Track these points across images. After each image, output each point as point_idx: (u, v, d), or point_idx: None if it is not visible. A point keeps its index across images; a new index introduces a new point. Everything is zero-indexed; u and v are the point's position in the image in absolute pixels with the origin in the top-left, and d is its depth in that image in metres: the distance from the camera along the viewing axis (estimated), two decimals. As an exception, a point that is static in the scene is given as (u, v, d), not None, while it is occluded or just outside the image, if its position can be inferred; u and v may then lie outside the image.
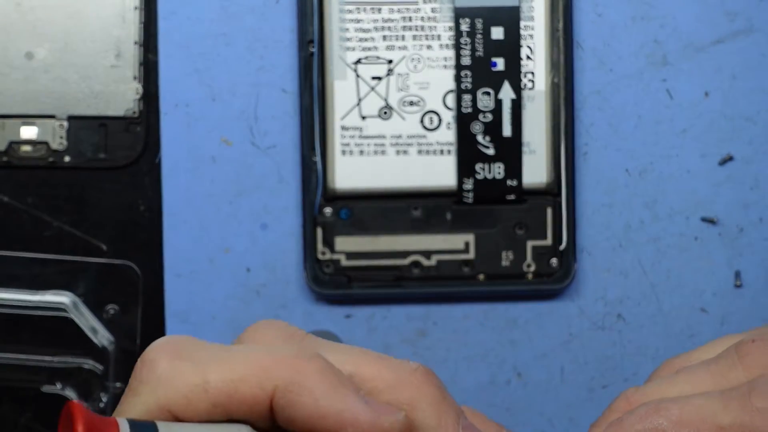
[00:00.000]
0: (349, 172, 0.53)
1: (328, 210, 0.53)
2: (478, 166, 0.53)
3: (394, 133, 0.53)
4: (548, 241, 0.53)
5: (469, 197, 0.53)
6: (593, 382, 0.54)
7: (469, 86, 0.53)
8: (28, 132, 0.54)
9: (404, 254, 0.53)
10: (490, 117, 0.53)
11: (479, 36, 0.52)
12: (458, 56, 0.52)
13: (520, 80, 0.53)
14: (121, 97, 0.54)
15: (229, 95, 0.54)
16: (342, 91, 0.53)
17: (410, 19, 0.53)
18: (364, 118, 0.53)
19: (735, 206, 0.54)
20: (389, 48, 0.53)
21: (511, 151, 0.53)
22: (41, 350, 0.54)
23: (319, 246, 0.53)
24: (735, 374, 0.36)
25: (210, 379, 0.32)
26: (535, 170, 0.53)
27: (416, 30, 0.53)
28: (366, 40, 0.53)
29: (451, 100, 0.53)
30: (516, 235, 0.53)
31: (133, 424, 0.32)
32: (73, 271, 0.54)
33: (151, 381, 0.32)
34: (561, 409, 0.55)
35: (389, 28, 0.53)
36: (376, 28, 0.53)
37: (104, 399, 0.54)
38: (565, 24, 0.53)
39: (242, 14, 0.54)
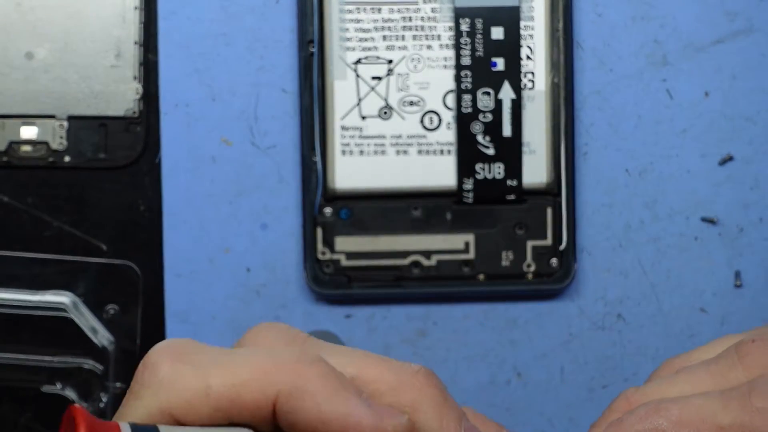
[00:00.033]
0: (349, 172, 0.53)
1: (328, 210, 0.53)
2: (478, 166, 0.53)
3: (394, 133, 0.53)
4: (548, 241, 0.53)
5: (469, 197, 0.53)
6: (593, 382, 0.54)
7: (469, 86, 0.53)
8: (28, 132, 0.54)
9: (404, 254, 0.53)
10: (490, 117, 0.53)
11: (479, 36, 0.52)
12: (458, 56, 0.52)
13: (520, 80, 0.53)
14: (121, 97, 0.54)
15: (229, 95, 0.54)
16: (342, 91, 0.53)
17: (410, 19, 0.53)
18: (364, 118, 0.53)
19: (735, 206, 0.54)
20: (389, 48, 0.53)
21: (511, 151, 0.53)
22: (41, 350, 0.54)
23: (319, 246, 0.53)
24: (735, 374, 0.36)
25: (212, 383, 0.32)
26: (535, 170, 0.53)
27: (416, 30, 0.53)
28: (366, 40, 0.53)
29: (451, 100, 0.53)
30: (516, 235, 0.53)
31: (135, 428, 0.32)
32: (73, 271, 0.54)
33: (153, 385, 0.32)
34: (561, 409, 0.55)
35: (389, 28, 0.53)
36: (376, 28, 0.53)
37: (104, 399, 0.54)
38: (565, 24, 0.53)
39: (242, 14, 0.54)
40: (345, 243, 0.53)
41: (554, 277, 0.54)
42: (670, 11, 0.54)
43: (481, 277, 0.54)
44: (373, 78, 0.53)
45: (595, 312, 0.54)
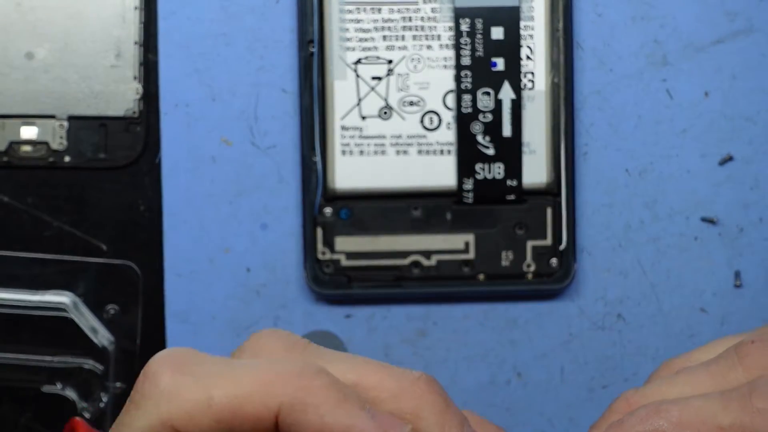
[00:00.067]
0: (349, 172, 0.53)
1: (328, 210, 0.53)
2: (478, 166, 0.53)
3: (394, 133, 0.53)
4: (548, 241, 0.53)
5: (469, 197, 0.53)
6: (593, 382, 0.54)
7: (469, 86, 0.53)
8: (28, 132, 0.54)
9: (404, 254, 0.53)
10: (490, 117, 0.53)
11: (479, 36, 0.52)
12: (458, 56, 0.52)
13: (520, 80, 0.53)
14: (121, 97, 0.54)
15: (229, 95, 0.54)
16: (342, 91, 0.53)
17: (410, 19, 0.53)
18: (364, 118, 0.53)
19: (735, 206, 0.54)
20: (389, 48, 0.53)
21: (511, 151, 0.53)
22: (41, 350, 0.54)
23: (319, 246, 0.53)
24: (735, 375, 0.36)
25: (214, 395, 0.32)
26: (535, 170, 0.53)
27: (416, 30, 0.53)
28: (366, 40, 0.53)
29: (451, 100, 0.53)
30: (516, 235, 0.53)
31: None
32: (73, 271, 0.54)
33: (154, 395, 0.32)
34: (561, 409, 0.55)
35: (389, 28, 0.53)
36: (376, 28, 0.53)
37: (104, 399, 0.54)
38: (565, 24, 0.53)
39: (242, 14, 0.54)
40: (345, 243, 0.53)
41: (554, 277, 0.53)
42: (670, 11, 0.54)
43: (481, 277, 0.54)
44: (373, 78, 0.53)
45: (595, 312, 0.54)
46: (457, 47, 0.52)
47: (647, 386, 0.38)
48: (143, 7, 0.53)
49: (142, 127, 0.54)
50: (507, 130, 0.53)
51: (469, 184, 0.53)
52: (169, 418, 0.32)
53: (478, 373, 0.54)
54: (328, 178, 0.53)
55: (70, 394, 0.54)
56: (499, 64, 0.53)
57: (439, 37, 0.53)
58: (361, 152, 0.53)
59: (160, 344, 0.54)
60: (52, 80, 0.53)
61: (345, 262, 0.53)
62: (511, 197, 0.53)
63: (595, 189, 0.54)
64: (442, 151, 0.53)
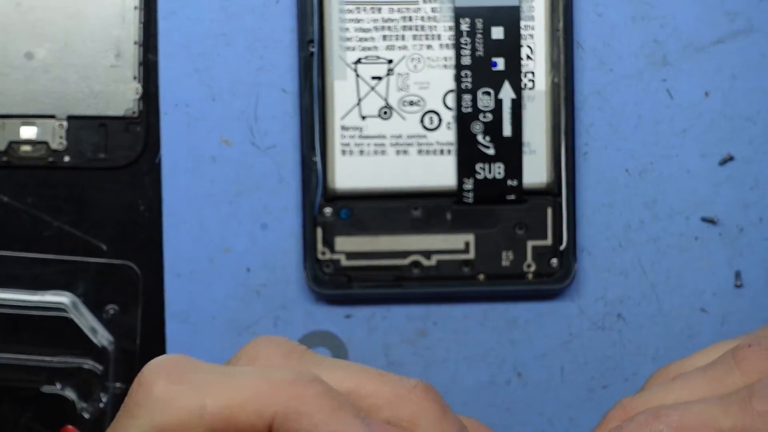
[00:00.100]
0: (349, 172, 0.53)
1: (328, 210, 0.53)
2: (478, 166, 0.53)
3: (394, 133, 0.53)
4: (548, 241, 0.53)
5: (469, 197, 0.53)
6: (593, 382, 0.54)
7: (469, 86, 0.53)
8: (28, 132, 0.54)
9: (404, 254, 0.53)
10: (490, 117, 0.53)
11: (479, 36, 0.52)
12: (458, 56, 0.52)
13: (520, 80, 0.53)
14: (120, 97, 0.54)
15: (229, 95, 0.54)
16: (342, 91, 0.53)
17: (410, 18, 0.53)
18: (364, 118, 0.53)
19: (735, 206, 0.54)
20: (389, 48, 0.53)
21: (511, 151, 0.53)
22: (41, 350, 0.54)
23: (319, 246, 0.53)
24: (732, 379, 0.36)
25: (207, 403, 0.32)
26: (536, 170, 0.53)
27: (416, 30, 0.53)
28: (366, 39, 0.53)
29: (451, 99, 0.53)
30: (516, 235, 0.53)
31: None
32: (73, 271, 0.54)
33: (148, 404, 0.32)
34: (561, 409, 0.55)
35: (389, 28, 0.53)
36: (376, 28, 0.53)
37: (104, 399, 0.54)
38: (565, 24, 0.53)
39: (242, 14, 0.53)
40: (345, 243, 0.53)
41: (554, 277, 0.53)
42: (670, 11, 0.54)
43: (481, 277, 0.53)
44: (373, 78, 0.53)
45: (595, 312, 0.54)
46: (458, 47, 0.52)
47: (644, 393, 0.38)
48: (143, 6, 0.53)
49: (142, 127, 0.54)
50: (507, 130, 0.53)
51: (469, 184, 0.53)
52: (162, 426, 0.32)
53: (478, 373, 0.54)
54: (328, 178, 0.53)
55: (70, 394, 0.54)
56: (500, 63, 0.53)
57: (439, 36, 0.53)
58: (361, 152, 0.53)
59: (159, 344, 0.54)
60: (51, 80, 0.53)
61: (345, 262, 0.53)
62: (512, 197, 0.53)
63: (595, 189, 0.54)
64: (442, 151, 0.53)
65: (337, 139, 0.53)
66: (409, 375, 0.54)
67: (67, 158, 0.54)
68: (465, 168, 0.53)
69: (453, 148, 0.53)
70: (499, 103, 0.53)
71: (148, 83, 0.54)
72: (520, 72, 0.53)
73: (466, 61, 0.52)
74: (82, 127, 0.54)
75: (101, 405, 0.54)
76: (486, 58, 0.52)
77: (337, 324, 0.54)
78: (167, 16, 0.53)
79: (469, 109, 0.53)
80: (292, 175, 0.54)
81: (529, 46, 0.53)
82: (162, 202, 0.54)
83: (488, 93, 0.53)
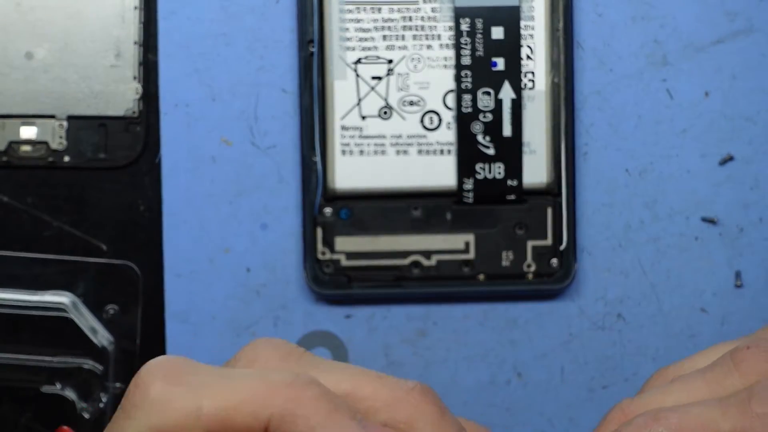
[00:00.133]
0: (349, 172, 0.53)
1: (328, 210, 0.53)
2: (478, 166, 0.53)
3: (394, 133, 0.53)
4: (548, 241, 0.53)
5: (469, 197, 0.53)
6: (593, 382, 0.54)
7: (469, 86, 0.52)
8: (28, 132, 0.54)
9: (404, 254, 0.53)
10: (490, 117, 0.53)
11: (479, 36, 0.52)
12: (458, 56, 0.52)
13: (521, 80, 0.53)
14: (120, 97, 0.54)
15: (229, 95, 0.54)
16: (342, 91, 0.53)
17: (410, 18, 0.53)
18: (364, 118, 0.53)
19: (735, 206, 0.54)
20: (389, 48, 0.53)
21: (511, 151, 0.53)
22: (41, 350, 0.54)
23: (319, 246, 0.53)
24: (731, 381, 0.36)
25: (203, 405, 0.32)
26: (536, 170, 0.53)
27: (416, 30, 0.53)
28: (366, 39, 0.53)
29: (451, 99, 0.53)
30: (516, 235, 0.53)
31: None
32: (73, 271, 0.54)
33: (145, 405, 0.32)
34: (561, 409, 0.55)
35: (389, 28, 0.53)
36: (376, 28, 0.53)
37: (104, 399, 0.54)
38: (565, 24, 0.53)
39: (242, 14, 0.53)
40: (345, 243, 0.53)
41: (554, 277, 0.53)
42: (670, 11, 0.54)
43: (481, 277, 0.53)
44: (373, 78, 0.53)
45: (595, 312, 0.54)
46: (458, 47, 0.52)
47: (642, 395, 0.38)
48: (143, 6, 0.53)
49: (142, 127, 0.54)
50: (507, 130, 0.53)
51: (469, 184, 0.53)
52: (159, 427, 0.32)
53: (478, 373, 0.54)
54: (328, 178, 0.53)
55: (70, 394, 0.54)
56: (500, 63, 0.53)
57: (439, 36, 0.53)
58: (361, 152, 0.53)
59: (159, 344, 0.54)
60: (51, 80, 0.53)
61: (345, 262, 0.53)
62: (512, 197, 0.53)
63: (595, 189, 0.54)
64: (442, 151, 0.53)
65: (337, 139, 0.53)
66: (409, 375, 0.54)
67: (67, 158, 0.54)
68: (465, 168, 0.53)
69: (453, 148, 0.53)
70: (499, 103, 0.53)
71: (148, 83, 0.54)
72: (520, 72, 0.53)
73: (466, 61, 0.52)
74: (82, 127, 0.54)
75: (101, 405, 0.54)
76: (486, 58, 0.52)
77: (337, 324, 0.54)
78: (167, 16, 0.53)
79: (469, 109, 0.53)
80: (292, 175, 0.54)
81: (529, 46, 0.53)
82: (162, 202, 0.54)
83: (488, 93, 0.53)
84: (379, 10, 0.53)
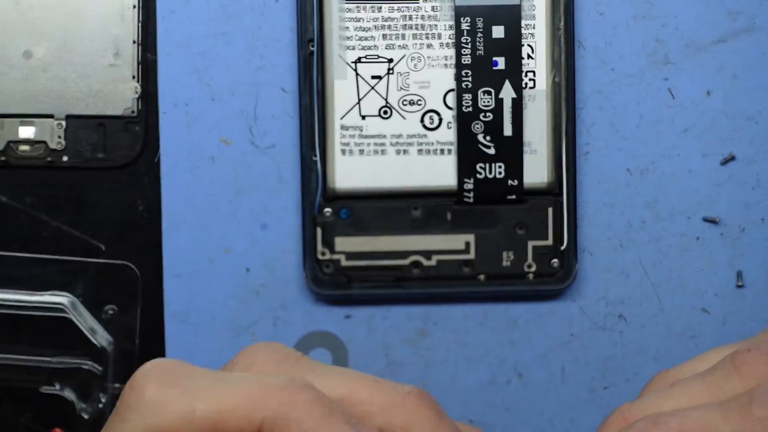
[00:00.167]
0: (349, 172, 0.53)
1: (327, 210, 0.53)
2: (478, 166, 0.53)
3: (395, 133, 0.53)
4: (549, 241, 0.53)
5: (470, 197, 0.53)
6: (594, 382, 0.54)
7: (470, 85, 0.52)
8: (26, 131, 0.53)
9: (404, 254, 0.53)
10: (490, 116, 0.52)
11: (480, 35, 0.52)
12: (459, 55, 0.52)
13: (521, 79, 0.52)
14: (119, 96, 0.53)
15: (229, 94, 0.53)
16: (342, 91, 0.53)
17: (410, 17, 0.53)
18: (364, 117, 0.53)
19: (737, 206, 0.54)
20: (389, 47, 0.53)
21: (511, 150, 0.53)
22: (40, 351, 0.53)
23: (319, 246, 0.53)
24: (731, 385, 0.36)
25: (197, 408, 0.32)
26: (536, 170, 0.53)
27: (416, 29, 0.53)
28: (366, 39, 0.53)
29: (451, 99, 0.53)
30: (517, 235, 0.53)
31: None
32: (72, 271, 0.54)
33: (139, 407, 0.32)
34: (562, 410, 0.54)
35: (389, 27, 0.53)
36: (376, 27, 0.53)
37: (103, 400, 0.54)
38: (566, 23, 0.53)
39: (242, 13, 0.53)
40: (345, 243, 0.53)
41: (555, 278, 0.53)
42: (672, 10, 0.53)
43: (482, 277, 0.53)
44: (373, 77, 0.53)
45: (596, 312, 0.54)
46: (458, 46, 0.52)
47: (642, 399, 0.37)
48: (142, 5, 0.53)
49: (141, 127, 0.54)
50: (508, 130, 0.53)
51: (469, 184, 0.53)
52: (153, 429, 0.32)
53: (478, 373, 0.54)
54: (327, 177, 0.53)
55: (69, 394, 0.53)
56: (500, 63, 0.52)
57: (439, 35, 0.53)
58: (361, 152, 0.53)
59: (159, 345, 0.54)
60: (50, 79, 0.53)
61: (345, 262, 0.53)
62: (512, 197, 0.53)
63: (596, 189, 0.54)
64: (442, 151, 0.53)
65: (337, 139, 0.53)
66: (409, 375, 0.54)
67: (65, 158, 0.53)
68: (465, 168, 0.53)
69: (453, 148, 0.53)
70: (499, 102, 0.52)
71: (147, 82, 0.53)
72: (521, 71, 0.52)
73: (467, 60, 0.52)
74: (81, 127, 0.53)
75: (100, 405, 0.54)
76: (487, 57, 0.52)
77: (336, 324, 0.54)
78: (166, 15, 0.53)
79: (470, 109, 0.52)
80: (291, 174, 0.54)
81: (529, 45, 0.53)
82: (161, 202, 0.54)
83: (489, 92, 0.52)
84: (380, 8, 0.52)
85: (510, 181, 0.53)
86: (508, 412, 0.54)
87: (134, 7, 0.53)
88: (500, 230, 0.53)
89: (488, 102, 0.52)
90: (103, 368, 0.54)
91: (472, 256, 0.53)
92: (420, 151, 0.53)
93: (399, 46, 0.53)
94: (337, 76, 0.53)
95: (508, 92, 0.52)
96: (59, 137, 0.53)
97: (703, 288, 0.54)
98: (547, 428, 0.54)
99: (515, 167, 0.53)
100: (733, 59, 0.53)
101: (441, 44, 0.53)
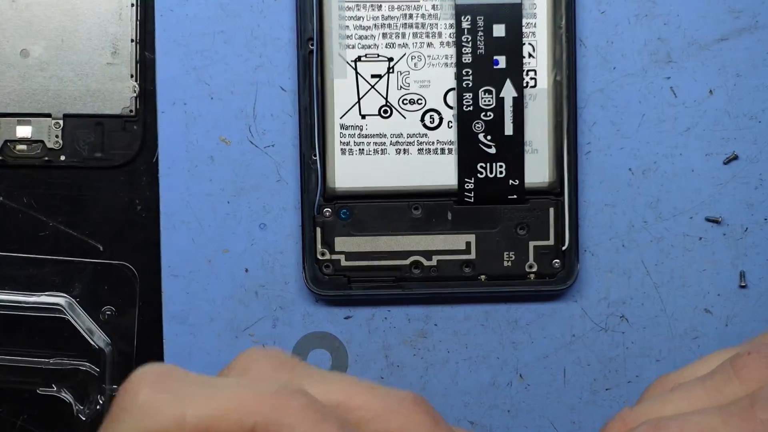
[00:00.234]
0: (349, 172, 0.52)
1: (327, 210, 0.53)
2: (479, 166, 0.52)
3: (395, 132, 0.52)
4: (550, 242, 0.53)
5: (471, 197, 0.52)
6: (596, 383, 0.54)
7: (471, 84, 0.52)
8: (24, 131, 0.53)
9: (404, 254, 0.53)
10: (491, 116, 0.52)
11: (480, 33, 0.52)
12: (459, 54, 0.52)
13: (522, 78, 0.52)
14: (117, 95, 0.53)
15: (228, 93, 0.53)
16: (342, 90, 0.52)
17: (411, 16, 0.52)
18: (364, 116, 0.52)
19: (740, 206, 0.54)
20: (389, 46, 0.52)
21: (512, 150, 0.52)
22: (37, 352, 0.53)
23: (319, 246, 0.53)
24: (731, 389, 0.36)
25: (189, 413, 0.32)
26: (537, 169, 0.52)
27: (417, 27, 0.52)
28: (366, 37, 0.52)
29: (452, 98, 0.52)
30: (518, 235, 0.53)
31: None
32: (70, 272, 0.53)
33: (133, 410, 0.32)
34: (563, 411, 0.54)
35: (389, 26, 0.52)
36: (376, 26, 0.52)
37: (101, 401, 0.53)
38: (567, 21, 0.52)
39: (241, 11, 0.53)
40: (344, 243, 0.53)
41: (556, 278, 0.53)
42: (674, 8, 0.53)
43: (483, 277, 0.53)
44: (373, 76, 0.52)
45: (597, 313, 0.54)
46: (459, 45, 0.52)
47: (642, 404, 0.37)
48: (139, 3, 0.53)
49: (139, 126, 0.53)
50: (509, 129, 0.52)
51: (470, 184, 0.52)
52: None
53: (479, 374, 0.54)
54: (327, 177, 0.52)
55: (66, 396, 0.53)
56: (501, 61, 0.52)
57: (440, 34, 0.52)
58: (361, 151, 0.52)
59: (157, 346, 0.53)
60: (47, 78, 0.53)
61: (344, 262, 0.53)
62: (513, 197, 0.52)
63: (597, 188, 0.54)
64: (443, 150, 0.52)
65: (336, 138, 0.52)
66: (409, 377, 0.53)
67: (63, 157, 0.53)
68: (466, 167, 0.52)
69: (454, 147, 0.52)
70: (500, 101, 0.52)
71: (145, 81, 0.53)
72: (522, 70, 0.52)
73: (467, 59, 0.52)
74: (78, 126, 0.53)
75: (98, 407, 0.53)
76: (487, 56, 0.52)
77: (336, 325, 0.54)
78: (165, 13, 0.53)
79: (471, 108, 0.52)
80: (291, 174, 0.53)
81: (530, 44, 0.52)
82: (159, 202, 0.53)
83: (489, 91, 0.52)
84: (380, 7, 0.52)
85: (511, 181, 0.52)
86: (510, 414, 0.54)
87: (132, 5, 0.53)
88: (501, 230, 0.53)
89: (489, 101, 0.52)
90: (100, 370, 0.53)
91: (472, 256, 0.53)
92: (420, 150, 0.52)
93: (399, 44, 0.52)
94: (336, 75, 0.52)
95: (509, 91, 0.52)
96: (57, 136, 0.53)
97: (705, 288, 0.54)
98: (548, 430, 0.54)
99: (516, 167, 0.52)
100: (736, 58, 0.53)
101: (441, 43, 0.52)
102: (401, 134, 0.52)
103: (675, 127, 0.53)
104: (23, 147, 0.53)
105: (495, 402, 0.54)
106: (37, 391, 0.53)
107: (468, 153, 0.52)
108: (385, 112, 0.52)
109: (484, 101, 0.52)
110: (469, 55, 0.52)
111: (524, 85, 0.52)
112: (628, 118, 0.53)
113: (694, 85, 0.53)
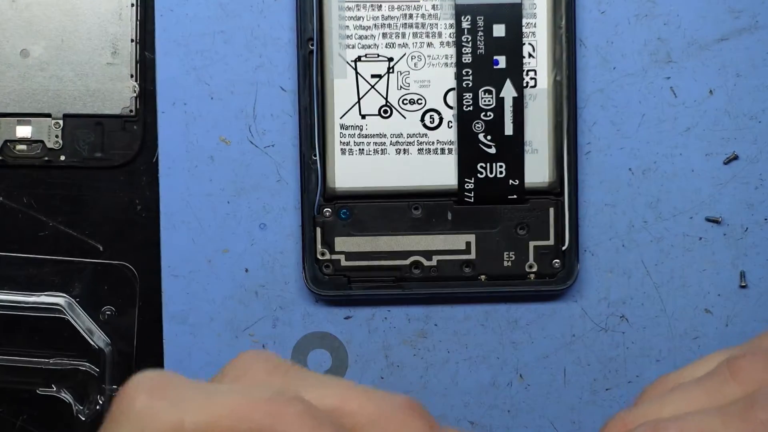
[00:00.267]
0: (349, 172, 0.52)
1: (327, 210, 0.53)
2: (479, 166, 0.52)
3: (395, 132, 0.52)
4: (550, 242, 0.53)
5: (470, 197, 0.52)
6: (596, 384, 0.54)
7: (471, 84, 0.52)
8: (24, 131, 0.53)
9: (404, 255, 0.53)
10: (491, 116, 0.52)
11: (481, 33, 0.52)
12: (459, 54, 0.52)
13: (522, 78, 0.52)
14: (117, 95, 0.53)
15: (228, 93, 0.53)
16: (342, 90, 0.52)
17: (411, 16, 0.52)
18: (363, 116, 0.52)
19: (740, 206, 0.54)
20: (389, 46, 0.52)
21: (512, 150, 0.52)
22: (37, 352, 0.53)
23: (319, 246, 0.53)
24: (729, 390, 0.36)
25: (185, 419, 0.32)
26: (537, 169, 0.52)
27: (417, 27, 0.52)
28: (366, 37, 0.52)
29: (452, 98, 0.52)
30: (518, 235, 0.53)
31: None
32: (70, 272, 0.53)
33: (130, 417, 0.32)
34: (563, 412, 0.54)
35: (389, 26, 0.52)
36: (376, 26, 0.52)
37: (100, 401, 0.53)
38: (567, 21, 0.52)
39: (241, 11, 0.53)
40: (344, 243, 0.53)
41: (556, 278, 0.53)
42: (674, 8, 0.53)
43: (483, 277, 0.53)
44: (373, 76, 0.52)
45: (598, 313, 0.54)
46: (459, 45, 0.52)
47: (641, 405, 0.37)
48: (140, 3, 0.53)
49: (139, 126, 0.53)
50: (509, 129, 0.52)
51: (470, 184, 0.52)
52: None
53: (479, 374, 0.54)
54: (327, 177, 0.52)
55: (66, 396, 0.53)
56: (501, 61, 0.52)
57: (440, 34, 0.52)
58: (361, 151, 0.52)
59: (157, 346, 0.53)
60: (47, 78, 0.53)
61: (344, 262, 0.53)
62: (513, 197, 0.52)
63: (598, 188, 0.53)
64: (443, 150, 0.52)
65: (336, 138, 0.52)
66: (409, 377, 0.53)
67: (63, 157, 0.53)
68: (466, 167, 0.52)
69: (454, 147, 0.52)
70: (500, 101, 0.52)
71: (145, 81, 0.53)
72: (522, 70, 0.52)
73: (467, 59, 0.52)
74: (78, 126, 0.53)
75: (98, 407, 0.53)
76: (487, 56, 0.52)
77: (336, 325, 0.54)
78: (165, 13, 0.53)
79: (470, 108, 0.52)
80: (291, 174, 0.53)
81: (530, 44, 0.52)
82: (159, 202, 0.53)
83: (489, 91, 0.52)
84: (380, 7, 0.52)
85: (511, 181, 0.52)
86: (510, 414, 0.54)
87: (132, 5, 0.53)
88: (501, 230, 0.53)
89: (489, 101, 0.52)
90: (100, 370, 0.53)
91: (472, 256, 0.53)
92: (420, 150, 0.52)
93: (399, 44, 0.52)
94: (336, 75, 0.52)
95: (509, 91, 0.52)
96: (57, 136, 0.53)
97: (705, 288, 0.54)
98: (548, 430, 0.54)
99: (516, 167, 0.52)
100: (736, 58, 0.53)
101: (441, 43, 0.52)
102: (401, 134, 0.52)
103: (675, 127, 0.53)
104: (23, 147, 0.53)
105: (495, 402, 0.54)
106: (37, 391, 0.53)
107: (468, 153, 0.52)
108: (385, 112, 0.52)
109: (484, 101, 0.52)
110: (469, 55, 0.52)
111: (524, 85, 0.52)
112: (628, 118, 0.53)
113: (694, 85, 0.53)
